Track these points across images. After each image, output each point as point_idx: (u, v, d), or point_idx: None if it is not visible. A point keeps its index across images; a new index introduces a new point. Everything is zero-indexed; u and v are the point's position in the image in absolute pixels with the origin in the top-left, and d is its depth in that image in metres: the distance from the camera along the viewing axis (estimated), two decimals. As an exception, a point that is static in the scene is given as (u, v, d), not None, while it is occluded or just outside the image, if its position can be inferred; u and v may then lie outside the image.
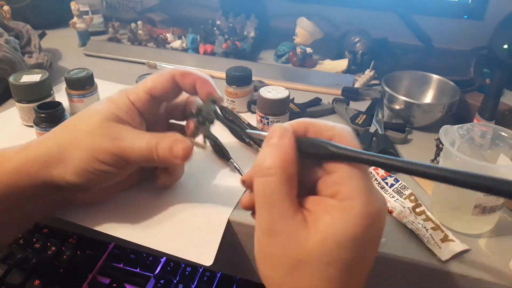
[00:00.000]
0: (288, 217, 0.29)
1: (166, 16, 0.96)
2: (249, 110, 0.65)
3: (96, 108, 0.39)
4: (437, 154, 0.54)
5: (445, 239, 0.42)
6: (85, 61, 0.84)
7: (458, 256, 0.41)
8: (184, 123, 0.44)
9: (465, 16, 0.72)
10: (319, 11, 0.87)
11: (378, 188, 0.48)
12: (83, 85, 0.60)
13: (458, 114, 0.62)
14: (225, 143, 0.53)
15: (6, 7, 0.80)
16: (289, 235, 0.29)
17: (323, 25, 0.83)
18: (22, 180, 0.38)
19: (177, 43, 0.86)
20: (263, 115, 0.57)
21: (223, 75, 0.64)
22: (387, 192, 0.47)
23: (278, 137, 0.31)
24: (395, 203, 0.46)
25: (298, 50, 0.80)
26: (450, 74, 0.65)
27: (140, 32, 0.88)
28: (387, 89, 0.62)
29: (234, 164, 0.50)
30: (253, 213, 0.32)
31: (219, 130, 0.53)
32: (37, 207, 0.41)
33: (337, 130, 0.32)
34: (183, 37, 0.87)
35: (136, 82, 0.59)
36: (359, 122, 0.60)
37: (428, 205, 0.46)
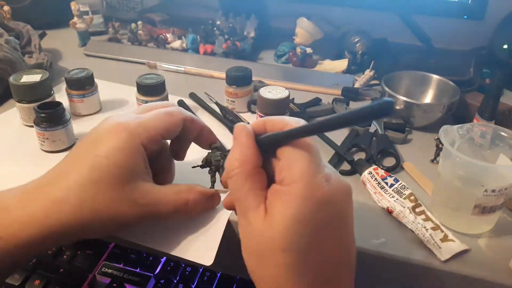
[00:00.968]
0: (252, 209, 0.31)
1: (166, 16, 0.96)
2: (249, 110, 0.65)
3: (110, 170, 0.35)
4: (437, 154, 0.54)
5: (445, 239, 0.42)
6: (85, 61, 0.84)
7: (458, 256, 0.41)
8: None
9: (465, 16, 0.72)
10: (319, 11, 0.87)
11: (374, 183, 0.48)
12: (83, 85, 0.60)
13: (458, 114, 0.62)
14: (225, 143, 0.53)
15: (6, 7, 0.80)
16: (253, 226, 0.31)
17: (323, 25, 0.83)
18: (47, 244, 0.36)
19: (177, 43, 0.86)
20: (263, 115, 0.57)
21: (223, 75, 0.64)
22: (387, 192, 0.47)
23: (235, 138, 0.33)
24: (395, 203, 0.46)
25: (298, 50, 0.80)
26: (450, 74, 0.65)
27: (140, 32, 0.88)
28: (387, 89, 0.62)
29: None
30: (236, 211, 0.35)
31: (219, 130, 0.53)
32: None
33: (285, 121, 0.33)
34: (183, 37, 0.87)
35: (137, 82, 0.59)
36: (359, 122, 0.60)
37: (428, 205, 0.46)
